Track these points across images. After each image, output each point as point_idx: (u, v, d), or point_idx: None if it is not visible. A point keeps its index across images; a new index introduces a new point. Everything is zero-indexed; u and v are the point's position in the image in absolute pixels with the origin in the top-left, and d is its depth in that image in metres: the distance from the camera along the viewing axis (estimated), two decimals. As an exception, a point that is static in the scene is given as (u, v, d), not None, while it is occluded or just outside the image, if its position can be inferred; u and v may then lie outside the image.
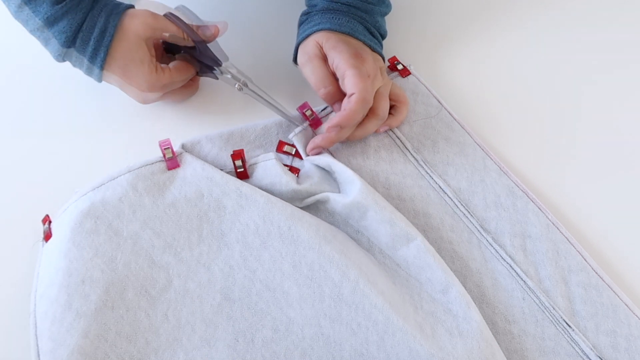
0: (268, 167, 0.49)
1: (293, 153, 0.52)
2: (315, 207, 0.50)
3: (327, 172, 0.51)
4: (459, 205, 0.50)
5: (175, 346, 0.43)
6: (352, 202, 0.46)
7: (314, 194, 0.48)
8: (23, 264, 0.48)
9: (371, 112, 0.50)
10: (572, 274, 0.47)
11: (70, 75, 0.55)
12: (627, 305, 0.45)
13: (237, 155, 0.49)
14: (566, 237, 0.48)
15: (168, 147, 0.48)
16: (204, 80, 0.58)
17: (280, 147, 0.52)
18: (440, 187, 0.51)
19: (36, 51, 0.52)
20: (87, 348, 0.41)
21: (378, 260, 0.47)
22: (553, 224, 0.49)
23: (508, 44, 0.63)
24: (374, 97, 0.49)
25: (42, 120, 0.57)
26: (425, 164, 0.52)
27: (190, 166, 0.48)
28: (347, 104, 0.48)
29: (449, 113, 0.55)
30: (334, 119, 0.48)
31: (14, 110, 0.58)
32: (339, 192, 0.49)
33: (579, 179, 0.53)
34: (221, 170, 0.49)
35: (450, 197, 0.50)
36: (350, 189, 0.47)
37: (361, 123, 0.50)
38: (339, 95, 0.51)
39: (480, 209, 0.50)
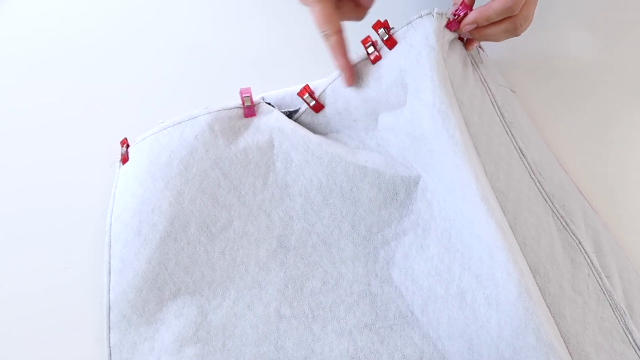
0: (336, 87, 0.48)
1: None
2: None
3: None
4: (533, 174, 0.46)
5: (228, 283, 0.44)
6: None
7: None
8: (99, 181, 0.52)
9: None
10: (623, 271, 0.44)
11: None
12: None
13: (304, 91, 0.48)
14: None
15: (248, 96, 0.49)
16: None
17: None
18: (521, 150, 0.47)
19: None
20: (149, 274, 0.44)
21: (434, 221, 0.44)
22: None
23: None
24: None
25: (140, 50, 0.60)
26: (510, 125, 0.48)
27: (265, 116, 0.49)
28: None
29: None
30: (470, 15, 0.44)
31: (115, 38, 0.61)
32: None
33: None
34: (298, 109, 0.49)
35: (527, 163, 0.47)
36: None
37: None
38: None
39: (549, 185, 0.46)
